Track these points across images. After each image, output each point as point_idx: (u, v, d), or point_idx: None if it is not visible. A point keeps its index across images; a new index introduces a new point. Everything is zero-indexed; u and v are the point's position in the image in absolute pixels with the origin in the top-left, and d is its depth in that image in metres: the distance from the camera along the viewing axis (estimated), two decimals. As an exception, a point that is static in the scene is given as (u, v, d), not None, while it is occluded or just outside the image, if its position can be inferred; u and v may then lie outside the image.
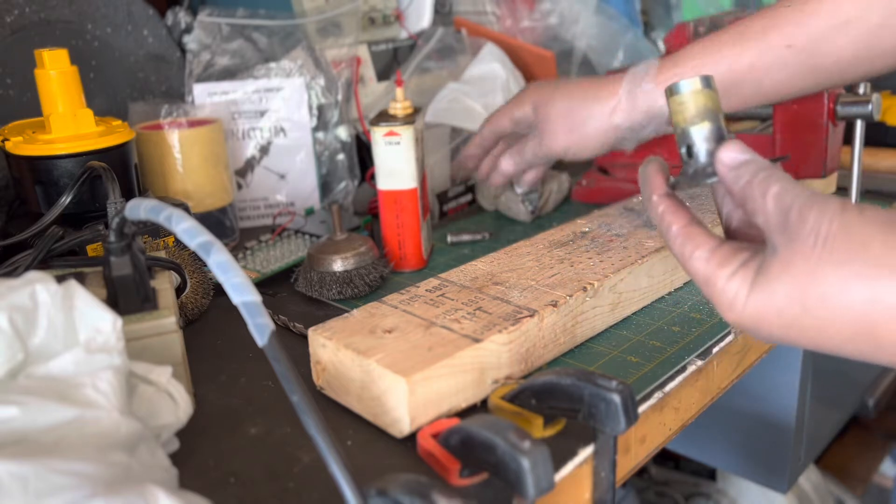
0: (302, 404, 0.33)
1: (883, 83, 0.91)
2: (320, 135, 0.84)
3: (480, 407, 0.45)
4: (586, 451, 0.42)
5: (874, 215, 0.34)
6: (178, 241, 0.58)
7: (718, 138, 0.41)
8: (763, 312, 0.37)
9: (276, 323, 0.56)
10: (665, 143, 0.78)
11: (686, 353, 0.51)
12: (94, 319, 0.36)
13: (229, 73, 0.83)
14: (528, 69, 0.97)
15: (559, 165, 0.99)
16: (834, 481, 1.26)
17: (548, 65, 0.97)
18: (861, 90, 0.70)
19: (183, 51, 0.88)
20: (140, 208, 0.39)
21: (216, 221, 0.73)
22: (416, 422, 0.42)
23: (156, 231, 0.58)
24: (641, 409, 0.46)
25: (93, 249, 0.54)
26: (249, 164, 0.82)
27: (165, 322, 0.43)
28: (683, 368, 0.50)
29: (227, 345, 0.55)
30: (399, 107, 0.65)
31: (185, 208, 0.61)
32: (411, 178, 0.65)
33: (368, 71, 0.91)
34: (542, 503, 0.40)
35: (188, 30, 0.87)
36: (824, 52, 0.56)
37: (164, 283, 0.47)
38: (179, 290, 0.57)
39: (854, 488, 1.30)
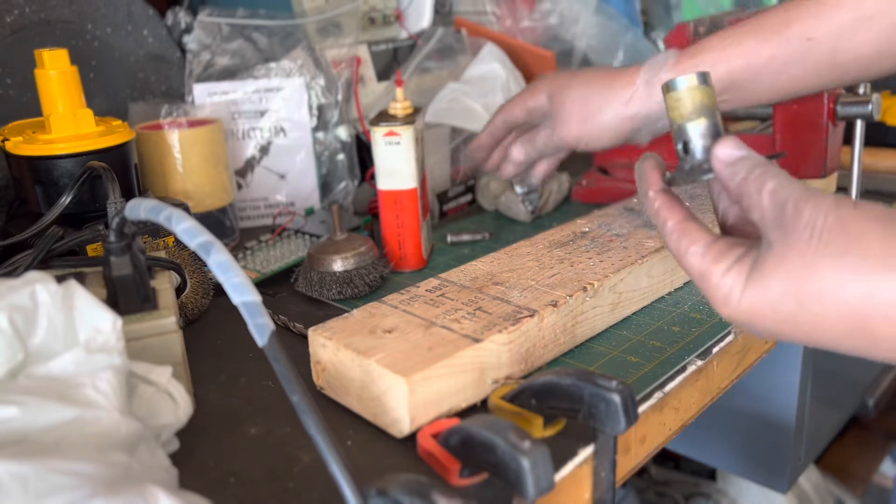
0: (302, 404, 0.33)
1: (883, 83, 0.91)
2: (320, 135, 0.84)
3: (480, 407, 0.45)
4: (586, 451, 0.42)
5: (869, 210, 0.35)
6: (178, 241, 0.58)
7: (715, 135, 0.41)
8: (758, 308, 0.37)
9: (276, 323, 0.56)
10: (665, 143, 0.78)
11: (686, 353, 0.51)
12: (94, 319, 0.36)
13: (229, 73, 0.83)
14: (528, 69, 0.97)
15: (560, 166, 0.99)
16: (834, 481, 1.26)
17: (548, 65, 0.97)
18: (861, 90, 0.70)
19: (183, 51, 0.88)
20: (140, 208, 0.39)
21: (216, 221, 0.73)
22: (416, 422, 0.42)
23: (156, 231, 0.58)
24: (641, 409, 0.46)
25: (93, 249, 0.54)
26: (249, 164, 0.82)
27: (165, 322, 0.43)
28: (683, 368, 0.50)
29: (227, 345, 0.55)
30: (399, 107, 0.65)
31: (185, 208, 0.61)
32: (411, 178, 0.65)
33: (368, 71, 0.91)
34: (542, 503, 0.40)
35: (188, 30, 0.87)
36: (845, 47, 0.55)
37: (164, 283, 0.47)
38: (179, 290, 0.57)
39: (854, 488, 1.30)
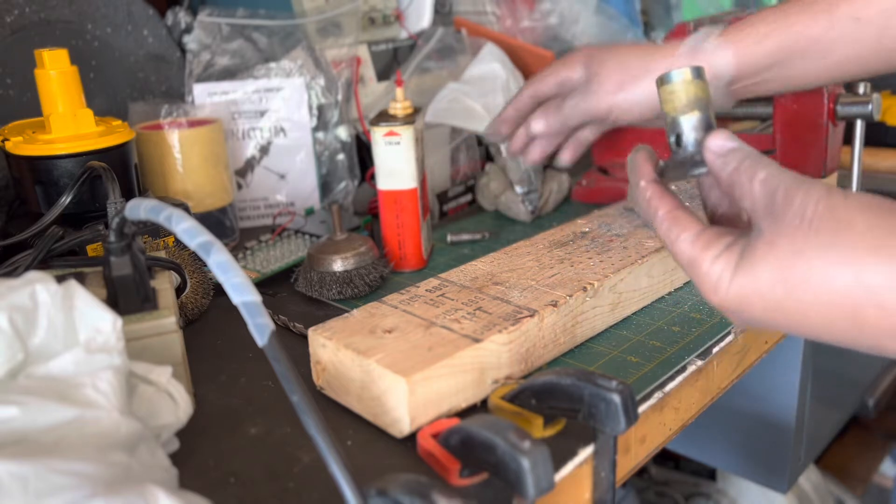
0: (302, 404, 0.33)
1: (883, 83, 0.91)
2: (320, 135, 0.84)
3: (480, 407, 0.45)
4: (586, 451, 0.42)
5: (859, 198, 0.35)
6: (178, 241, 0.58)
7: (707, 128, 0.42)
8: (747, 294, 0.37)
9: (276, 323, 0.56)
10: (660, 139, 0.77)
11: (686, 353, 0.51)
12: (94, 319, 0.36)
13: (229, 73, 0.83)
14: (528, 69, 0.97)
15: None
16: (834, 481, 1.26)
17: (547, 65, 0.97)
18: (861, 90, 0.70)
19: (183, 51, 0.88)
20: (140, 208, 0.39)
21: (216, 221, 0.73)
22: (416, 422, 0.42)
23: (156, 231, 0.58)
24: (641, 409, 0.46)
25: (93, 249, 0.54)
26: (249, 164, 0.82)
27: (165, 322, 0.43)
28: (683, 368, 0.50)
29: (227, 345, 0.55)
30: (399, 107, 0.65)
31: (185, 208, 0.61)
32: (411, 178, 0.65)
33: (368, 71, 0.91)
34: (542, 503, 0.40)
35: (188, 30, 0.87)
36: (892, 33, 0.55)
37: (164, 283, 0.47)
38: (179, 290, 0.57)
39: (854, 488, 1.30)
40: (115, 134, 0.59)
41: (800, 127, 0.72)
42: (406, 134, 0.63)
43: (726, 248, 0.38)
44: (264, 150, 0.82)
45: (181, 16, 0.87)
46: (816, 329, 0.36)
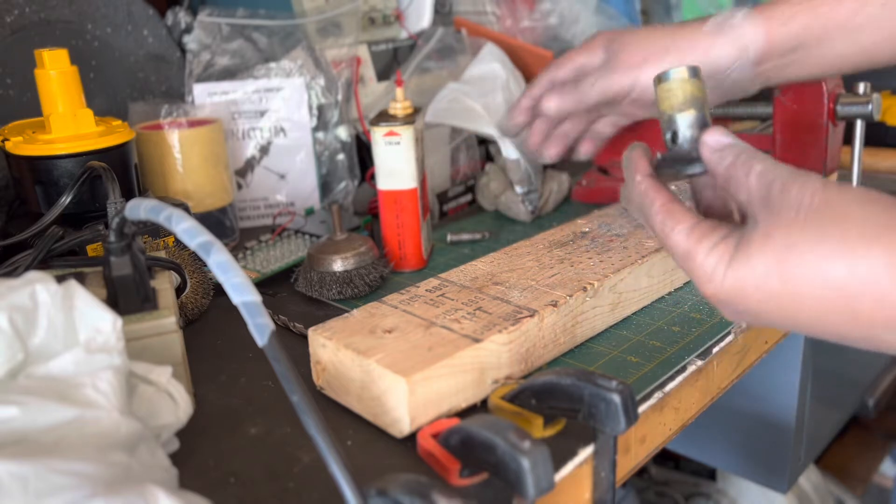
0: (302, 404, 0.33)
1: (883, 83, 0.91)
2: (320, 135, 0.84)
3: (480, 407, 0.45)
4: (586, 451, 0.42)
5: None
6: (178, 241, 0.58)
7: (702, 126, 0.43)
8: (742, 285, 0.37)
9: (276, 323, 0.56)
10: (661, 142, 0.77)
11: (686, 353, 0.51)
12: (94, 319, 0.36)
13: (229, 73, 0.83)
14: (528, 69, 0.97)
15: (560, 165, 0.99)
16: (834, 481, 1.26)
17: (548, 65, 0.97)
18: (861, 90, 0.70)
19: (183, 51, 0.88)
20: (140, 208, 0.39)
21: (216, 221, 0.73)
22: (416, 422, 0.42)
23: (156, 231, 0.58)
24: (641, 409, 0.46)
25: (93, 249, 0.54)
26: (249, 164, 0.82)
27: (165, 322, 0.43)
28: (683, 368, 0.50)
29: (227, 345, 0.55)
30: (399, 107, 0.65)
31: (185, 208, 0.61)
32: (411, 178, 0.65)
33: (368, 71, 0.91)
34: (542, 503, 0.40)
35: (188, 30, 0.87)
36: None
37: (164, 283, 0.47)
38: (179, 290, 0.57)
39: (854, 488, 1.30)
40: (115, 134, 0.59)
41: (800, 127, 0.72)
42: (406, 134, 0.63)
43: (721, 239, 0.38)
44: (264, 150, 0.82)
45: (181, 16, 0.87)
46: (810, 321, 0.36)
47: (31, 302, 0.35)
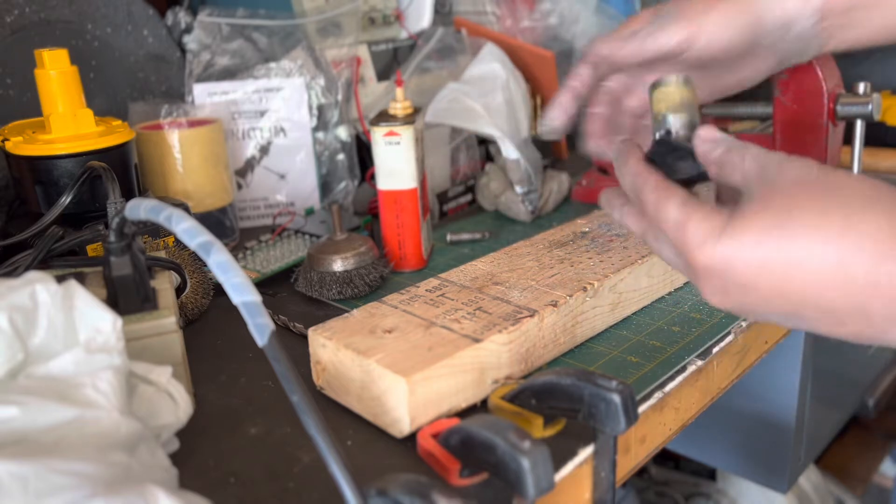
0: (302, 404, 0.33)
1: (883, 83, 0.91)
2: (320, 135, 0.84)
3: (480, 407, 0.45)
4: (586, 451, 0.42)
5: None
6: (178, 241, 0.58)
7: (694, 128, 0.44)
8: (736, 251, 0.37)
9: (276, 323, 0.56)
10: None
11: (686, 353, 0.51)
12: (94, 319, 0.36)
13: (229, 73, 0.83)
14: (528, 69, 0.97)
15: (559, 165, 0.99)
16: (834, 481, 1.26)
17: (548, 65, 0.97)
18: (861, 90, 0.70)
19: (183, 51, 0.88)
20: (140, 208, 0.39)
21: (216, 221, 0.73)
22: (416, 422, 0.42)
23: (156, 231, 0.58)
24: (641, 409, 0.46)
25: (93, 249, 0.54)
26: (249, 164, 0.82)
27: (165, 322, 0.43)
28: (683, 368, 0.50)
29: (227, 345, 0.55)
30: (399, 107, 0.65)
31: (185, 208, 0.61)
32: (411, 178, 0.65)
33: (368, 71, 0.91)
34: (542, 503, 0.40)
35: (188, 30, 0.87)
36: None
37: (164, 283, 0.47)
38: (179, 290, 0.57)
39: (854, 488, 1.30)
40: (115, 134, 0.59)
41: (800, 127, 0.72)
42: (406, 134, 0.63)
43: (715, 210, 0.39)
44: (264, 150, 0.82)
45: (181, 16, 0.87)
46: (801, 292, 0.35)
47: (31, 302, 0.35)
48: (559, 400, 0.40)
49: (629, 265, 0.54)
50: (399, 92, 0.65)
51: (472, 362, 0.44)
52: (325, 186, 0.85)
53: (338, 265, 0.61)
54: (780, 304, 0.37)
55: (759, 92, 0.63)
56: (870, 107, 0.69)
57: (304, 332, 0.54)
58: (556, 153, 1.02)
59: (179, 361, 0.44)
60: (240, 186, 0.82)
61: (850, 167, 0.72)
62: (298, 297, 0.63)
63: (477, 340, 0.44)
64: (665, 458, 1.20)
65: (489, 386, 0.45)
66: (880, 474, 1.39)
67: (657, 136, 0.45)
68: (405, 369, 0.41)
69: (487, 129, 0.78)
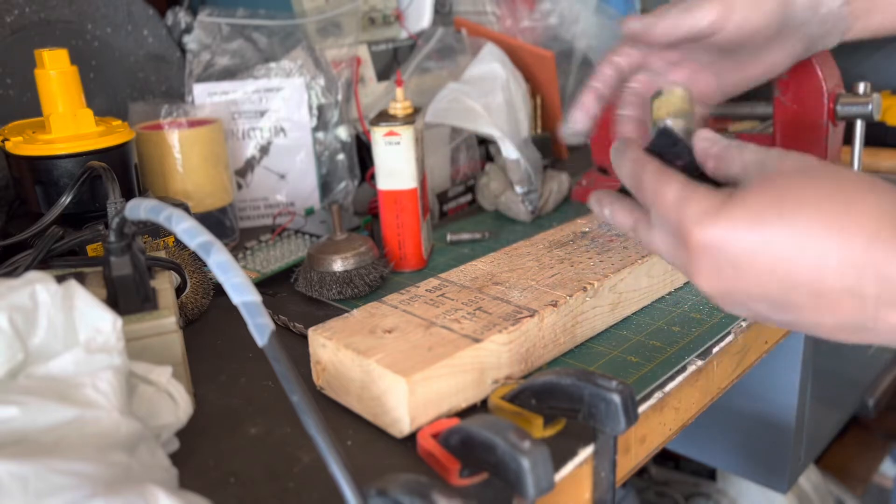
0: (302, 404, 0.33)
1: (883, 83, 0.91)
2: (320, 135, 0.84)
3: (480, 407, 0.45)
4: (586, 451, 0.42)
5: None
6: (178, 241, 0.58)
7: (691, 135, 0.46)
8: (733, 227, 0.37)
9: (276, 323, 0.56)
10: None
11: (686, 353, 0.51)
12: (94, 319, 0.36)
13: (229, 73, 0.83)
14: (528, 69, 0.97)
15: (559, 165, 0.99)
16: (834, 481, 1.26)
17: (548, 65, 0.97)
18: (861, 90, 0.70)
19: (183, 51, 0.88)
20: (140, 208, 0.39)
21: (216, 221, 0.73)
22: (416, 422, 0.42)
23: (156, 231, 0.58)
24: (641, 409, 0.46)
25: (93, 249, 0.54)
26: (249, 164, 0.82)
27: (165, 322, 0.43)
28: (683, 368, 0.50)
29: (227, 345, 0.55)
30: (399, 107, 0.65)
31: (185, 208, 0.61)
32: (411, 178, 0.65)
33: (368, 71, 0.91)
34: (542, 503, 0.40)
35: (188, 30, 0.87)
36: None
37: (164, 283, 0.47)
38: (179, 290, 0.57)
39: (854, 488, 1.30)
40: (115, 134, 0.59)
41: (800, 127, 0.72)
42: (406, 134, 0.63)
43: (713, 191, 0.39)
44: (264, 150, 0.82)
45: (181, 16, 0.87)
46: (795, 272, 0.35)
47: (31, 302, 0.35)
48: (559, 400, 0.40)
49: (629, 265, 0.54)
50: (399, 92, 0.65)
51: (472, 362, 0.44)
52: (325, 186, 0.85)
53: (338, 265, 0.61)
54: (771, 288, 0.36)
55: (759, 92, 0.63)
56: (870, 107, 0.69)
57: (304, 332, 0.54)
58: (556, 153, 1.02)
59: (179, 361, 0.44)
60: (240, 186, 0.82)
61: (850, 167, 0.72)
62: (298, 297, 0.63)
63: (477, 340, 0.44)
64: (665, 458, 1.20)
65: (489, 386, 0.45)
66: (880, 474, 1.39)
67: (659, 126, 0.46)
68: (405, 369, 0.41)
69: (487, 129, 0.78)
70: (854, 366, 1.01)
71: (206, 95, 0.80)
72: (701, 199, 0.38)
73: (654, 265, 0.57)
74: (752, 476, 0.90)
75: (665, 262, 0.58)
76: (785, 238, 0.35)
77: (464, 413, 0.44)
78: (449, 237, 0.74)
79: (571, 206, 0.84)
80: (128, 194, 0.60)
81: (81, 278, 0.48)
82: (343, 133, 0.85)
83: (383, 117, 0.65)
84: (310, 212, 0.81)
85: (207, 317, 0.60)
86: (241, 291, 0.35)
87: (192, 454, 0.41)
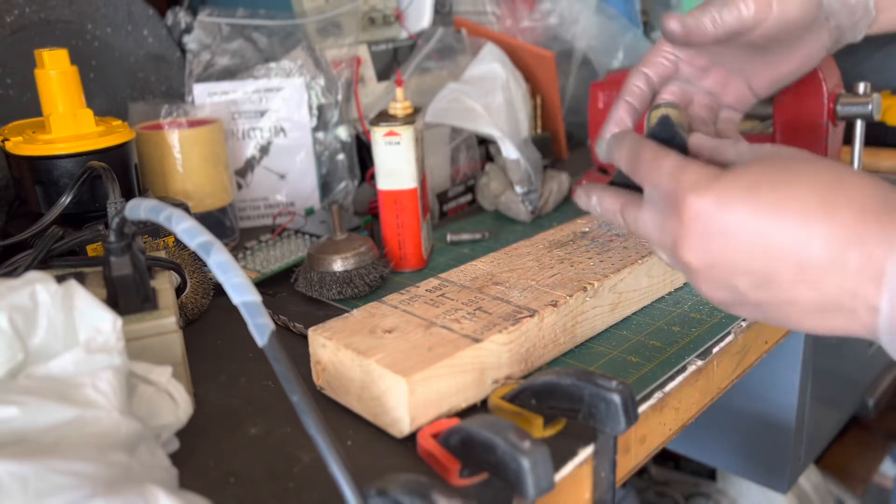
0: (302, 404, 0.33)
1: (883, 83, 0.91)
2: (320, 135, 0.84)
3: (480, 407, 0.45)
4: (586, 451, 0.42)
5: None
6: (178, 241, 0.58)
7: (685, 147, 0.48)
8: (727, 194, 0.37)
9: (276, 323, 0.56)
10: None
11: (686, 353, 0.51)
12: (94, 319, 0.36)
13: (229, 73, 0.83)
14: (528, 69, 0.97)
15: (559, 165, 0.99)
16: (834, 481, 1.26)
17: (548, 65, 0.97)
18: (861, 90, 0.70)
19: (183, 51, 0.88)
20: (140, 208, 0.39)
21: (216, 221, 0.73)
22: (416, 422, 0.42)
23: (156, 231, 0.58)
24: (641, 409, 0.46)
25: (93, 249, 0.54)
26: (249, 164, 0.82)
27: (165, 322, 0.43)
28: (683, 368, 0.50)
29: (227, 345, 0.55)
30: (399, 107, 0.65)
31: (185, 208, 0.61)
32: (411, 178, 0.65)
33: (368, 71, 0.91)
34: (542, 503, 0.40)
35: (188, 30, 0.87)
36: None
37: (164, 283, 0.47)
38: (179, 290, 0.57)
39: (854, 488, 1.30)
40: (115, 134, 0.59)
41: (800, 127, 0.72)
42: (406, 134, 0.63)
43: (709, 164, 0.40)
44: (264, 150, 0.82)
45: (181, 16, 0.87)
46: (784, 243, 0.36)
47: (31, 302, 0.35)
48: (559, 400, 0.40)
49: (629, 265, 0.54)
50: (399, 92, 0.65)
51: (472, 362, 0.44)
52: (325, 186, 0.85)
53: (338, 265, 0.61)
54: (755, 258, 0.37)
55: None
56: (870, 107, 0.69)
57: (304, 332, 0.54)
58: (556, 153, 1.02)
59: (179, 361, 0.44)
60: (240, 186, 0.82)
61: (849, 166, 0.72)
62: (298, 297, 0.63)
63: (477, 340, 0.44)
64: (665, 458, 1.20)
65: (489, 386, 0.45)
66: (880, 474, 1.39)
67: (661, 115, 0.48)
68: (405, 369, 0.41)
69: (487, 129, 0.78)
70: (854, 366, 1.01)
71: (206, 95, 0.80)
72: (698, 169, 0.40)
73: (654, 265, 0.57)
74: (752, 476, 0.90)
75: (645, 237, 0.57)
76: (775, 209, 0.36)
77: (464, 413, 0.44)
78: (449, 237, 0.74)
79: (571, 206, 0.83)
80: (128, 194, 0.60)
81: (81, 278, 0.48)
82: (343, 133, 0.85)
83: (383, 117, 0.65)
84: (310, 212, 0.81)
85: (207, 317, 0.60)
86: (241, 291, 0.35)
87: (192, 454, 0.41)
